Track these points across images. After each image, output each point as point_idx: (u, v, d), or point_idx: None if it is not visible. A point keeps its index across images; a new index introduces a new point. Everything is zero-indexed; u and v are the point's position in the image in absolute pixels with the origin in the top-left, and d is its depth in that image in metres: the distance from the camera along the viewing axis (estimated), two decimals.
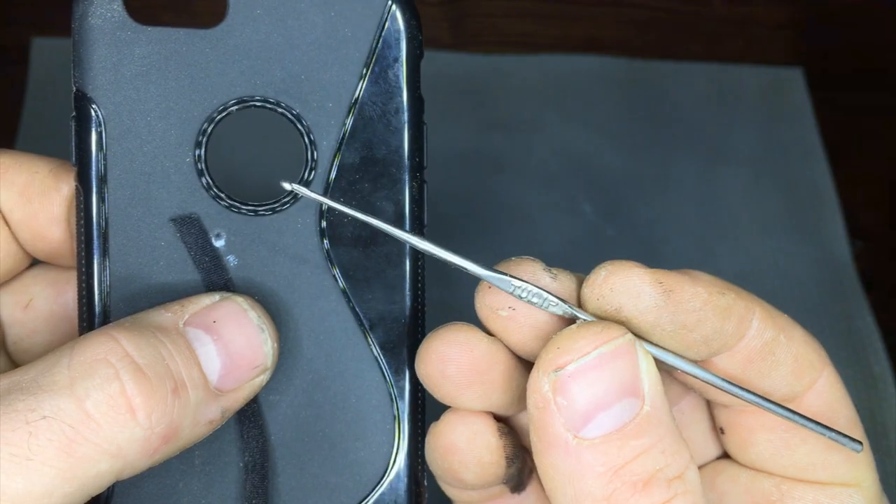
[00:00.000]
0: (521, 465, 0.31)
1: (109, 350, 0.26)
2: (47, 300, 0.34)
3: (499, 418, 0.31)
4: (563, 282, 0.29)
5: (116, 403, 0.25)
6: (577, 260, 0.71)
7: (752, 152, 0.75)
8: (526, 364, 0.29)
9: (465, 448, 0.30)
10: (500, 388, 0.29)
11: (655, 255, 0.70)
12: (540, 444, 0.25)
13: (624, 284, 0.27)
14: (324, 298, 0.30)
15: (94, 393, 0.25)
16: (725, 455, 0.32)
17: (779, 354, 0.29)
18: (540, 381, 0.25)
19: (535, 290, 0.27)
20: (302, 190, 0.28)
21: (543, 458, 0.26)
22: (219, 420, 0.28)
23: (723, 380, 0.28)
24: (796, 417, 0.28)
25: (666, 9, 0.79)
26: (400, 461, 0.31)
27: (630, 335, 0.26)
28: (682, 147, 0.74)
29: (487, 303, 0.28)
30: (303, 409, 0.31)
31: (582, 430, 0.25)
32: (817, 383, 0.30)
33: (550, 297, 0.27)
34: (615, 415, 0.25)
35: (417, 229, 0.31)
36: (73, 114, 0.30)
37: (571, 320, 0.28)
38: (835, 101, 0.77)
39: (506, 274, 0.28)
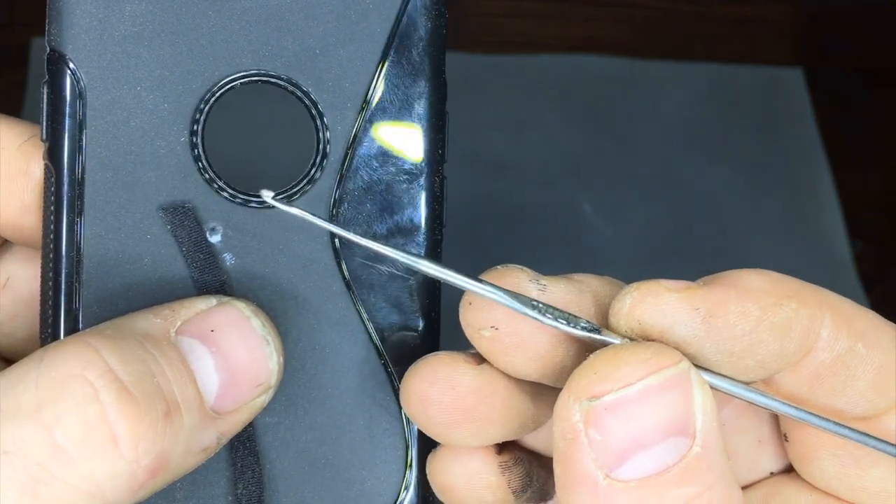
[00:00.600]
0: (541, 482, 0.28)
1: (87, 363, 0.21)
2: (26, 279, 0.29)
3: (507, 442, 0.27)
4: (553, 292, 0.24)
5: (95, 432, 0.20)
6: (578, 260, 0.71)
7: (752, 152, 0.75)
8: (534, 385, 0.25)
9: (463, 489, 0.26)
10: (497, 422, 0.25)
11: (655, 255, 0.70)
12: (564, 479, 0.22)
13: (652, 315, 0.22)
14: (331, 305, 0.26)
15: (66, 419, 0.20)
16: (782, 471, 0.28)
17: (855, 367, 0.23)
18: (570, 409, 0.21)
19: (559, 311, 0.23)
20: (282, 206, 0.24)
21: (566, 495, 0.22)
22: (214, 447, 0.24)
23: (777, 401, 0.23)
24: (866, 440, 0.23)
25: (666, 9, 0.79)
26: (410, 494, 0.27)
27: (685, 363, 0.22)
28: (682, 147, 0.74)
29: (469, 321, 0.24)
30: (304, 432, 0.27)
31: (615, 469, 0.21)
32: None
33: (581, 320, 0.23)
34: (657, 456, 0.21)
35: (437, 229, 0.27)
36: (46, 79, 0.25)
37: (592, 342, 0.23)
38: (835, 101, 0.77)
39: (533, 301, 0.23)
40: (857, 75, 0.79)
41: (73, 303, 0.25)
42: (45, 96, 0.25)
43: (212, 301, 0.25)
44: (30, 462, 0.20)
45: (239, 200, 0.26)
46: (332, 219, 0.26)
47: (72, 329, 0.25)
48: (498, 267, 0.25)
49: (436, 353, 0.25)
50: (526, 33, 0.77)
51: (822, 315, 0.23)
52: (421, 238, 0.27)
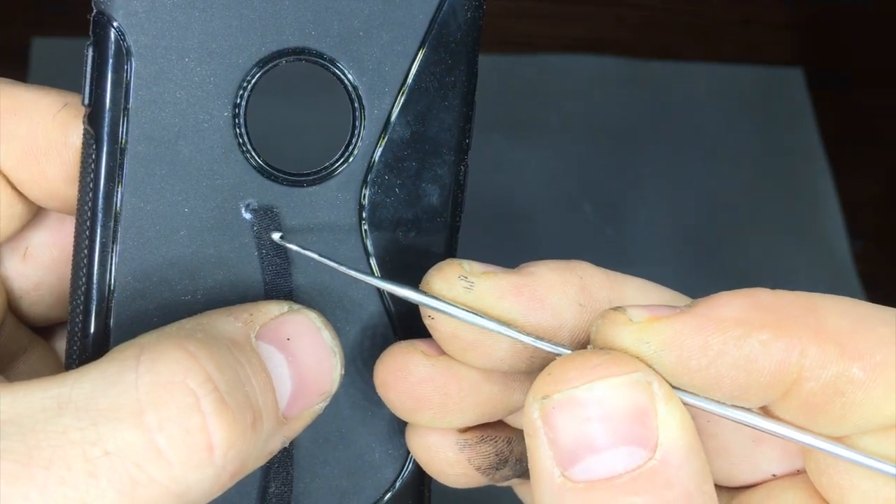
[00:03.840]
0: (518, 458, 0.28)
1: (188, 371, 0.21)
2: (46, 246, 0.29)
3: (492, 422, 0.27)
4: (480, 291, 0.24)
5: (194, 440, 0.21)
6: (578, 259, 0.71)
7: (752, 152, 0.75)
8: (507, 373, 0.26)
9: (427, 462, 0.27)
10: (454, 409, 0.26)
11: (656, 255, 0.70)
12: (531, 470, 0.22)
13: (611, 345, 0.23)
14: (354, 286, 0.27)
15: (169, 426, 0.21)
16: (786, 475, 0.26)
17: (852, 394, 0.22)
18: (531, 406, 0.22)
19: (488, 321, 0.24)
20: (290, 246, 0.25)
21: (534, 485, 0.22)
22: (278, 450, 0.24)
23: (764, 420, 0.22)
24: (863, 459, 0.22)
25: (666, 9, 0.79)
26: (411, 466, 0.28)
27: (638, 375, 0.22)
28: (682, 147, 0.74)
29: (421, 309, 0.25)
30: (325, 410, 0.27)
31: (569, 469, 0.21)
32: None
33: (511, 331, 0.24)
34: (608, 461, 0.21)
35: (457, 216, 0.28)
36: (90, 41, 0.24)
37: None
38: (835, 101, 0.77)
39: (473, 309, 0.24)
40: (858, 75, 0.79)
41: (108, 274, 0.25)
42: (89, 59, 0.24)
43: (283, 306, 0.25)
44: (130, 464, 0.20)
45: (276, 178, 0.26)
46: (361, 201, 0.26)
47: (105, 300, 0.25)
48: (438, 264, 0.25)
49: (400, 342, 0.26)
50: (526, 33, 0.77)
51: (799, 343, 0.22)
52: (443, 223, 0.27)
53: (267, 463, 0.26)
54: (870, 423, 0.22)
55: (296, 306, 0.25)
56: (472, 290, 0.24)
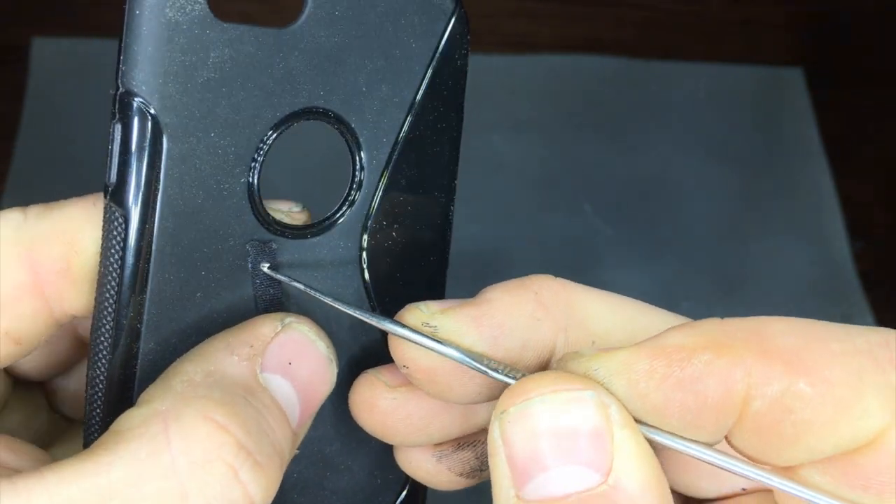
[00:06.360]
0: None
1: (222, 445, 0.22)
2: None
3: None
4: (445, 332, 0.25)
5: None
6: (578, 260, 0.71)
7: (752, 152, 0.75)
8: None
9: (413, 474, 0.28)
10: (423, 433, 0.27)
11: (655, 255, 0.70)
12: (493, 492, 0.22)
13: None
14: (358, 327, 0.28)
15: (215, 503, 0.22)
16: (755, 490, 0.26)
17: (800, 411, 0.21)
18: (493, 424, 0.22)
19: (461, 355, 0.24)
20: (277, 276, 0.26)
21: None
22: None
23: (719, 457, 0.22)
24: (808, 494, 0.21)
25: (666, 9, 0.79)
26: (408, 489, 0.29)
27: (591, 393, 0.22)
28: (682, 147, 0.74)
29: (394, 356, 0.26)
30: (328, 444, 0.28)
31: (522, 488, 0.21)
32: (887, 435, 0.21)
33: (487, 360, 0.24)
34: (558, 480, 0.21)
35: (447, 250, 0.29)
36: (117, 119, 0.24)
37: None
38: (835, 101, 0.77)
39: (462, 348, 0.24)
40: (858, 75, 0.79)
41: (133, 345, 0.25)
42: (117, 138, 0.24)
43: (276, 325, 0.25)
44: None
45: (283, 233, 0.26)
46: (361, 246, 0.27)
47: (129, 373, 0.25)
48: (403, 308, 0.26)
49: (367, 371, 0.27)
50: (526, 33, 0.78)
51: (743, 362, 0.21)
52: (436, 260, 0.28)
53: None
54: (824, 445, 0.21)
55: (287, 319, 0.26)
56: (437, 334, 0.25)
